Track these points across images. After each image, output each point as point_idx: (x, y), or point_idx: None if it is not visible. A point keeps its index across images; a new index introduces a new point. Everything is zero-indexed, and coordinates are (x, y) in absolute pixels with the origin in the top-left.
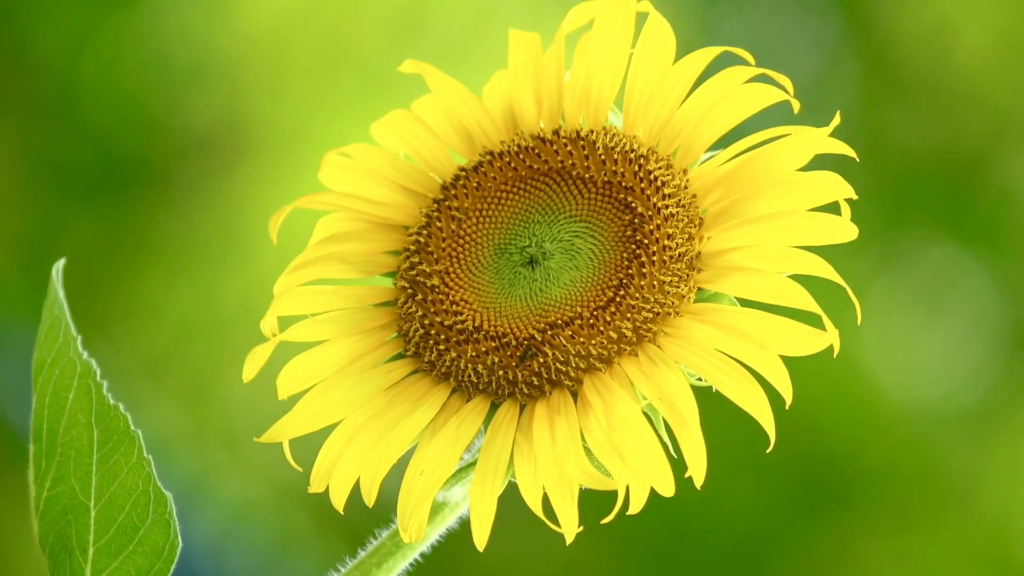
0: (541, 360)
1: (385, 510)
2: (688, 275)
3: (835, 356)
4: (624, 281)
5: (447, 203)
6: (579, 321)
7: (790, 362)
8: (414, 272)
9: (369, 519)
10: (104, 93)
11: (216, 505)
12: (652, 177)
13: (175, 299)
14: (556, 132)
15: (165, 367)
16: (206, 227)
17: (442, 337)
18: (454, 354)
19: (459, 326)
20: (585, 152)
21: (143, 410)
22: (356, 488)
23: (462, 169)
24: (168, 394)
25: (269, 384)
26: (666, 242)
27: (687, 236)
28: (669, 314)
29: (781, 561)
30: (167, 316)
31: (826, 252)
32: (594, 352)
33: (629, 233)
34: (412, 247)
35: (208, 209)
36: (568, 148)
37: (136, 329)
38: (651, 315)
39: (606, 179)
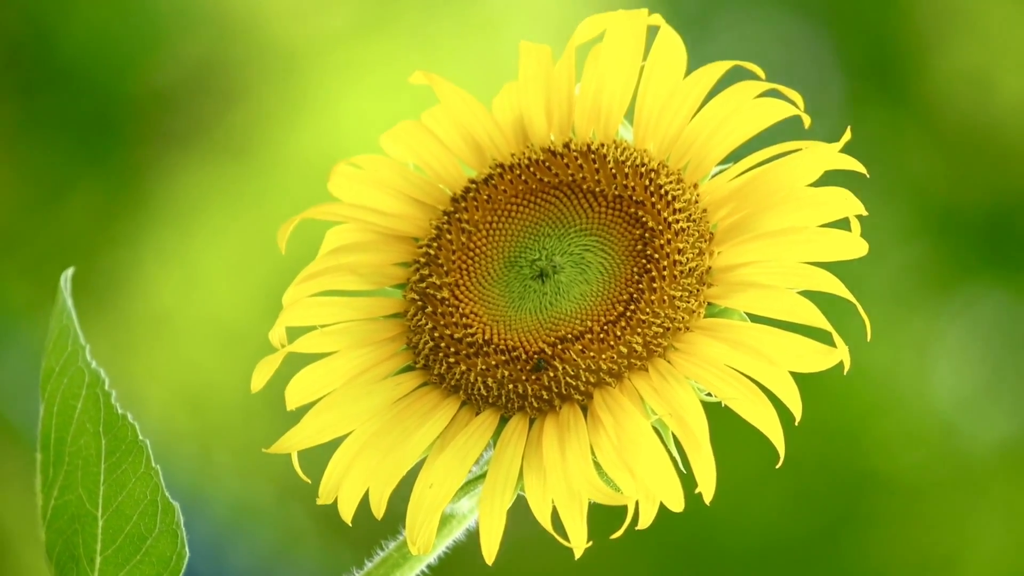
0: (551, 374)
1: (387, 515)
2: (698, 290)
3: (845, 373)
4: (634, 295)
5: (457, 215)
6: (589, 335)
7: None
8: (424, 284)
9: (369, 520)
10: (95, 45)
11: (216, 505)
12: (663, 191)
13: (180, 251)
14: (567, 145)
15: (173, 324)
16: (209, 173)
17: (452, 350)
18: (464, 367)
19: (469, 339)
20: (596, 165)
21: (149, 377)
22: (363, 497)
23: (472, 181)
24: (175, 354)
25: (272, 385)
26: (676, 257)
27: (697, 251)
28: (679, 329)
29: (808, 571)
30: (173, 270)
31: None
32: (604, 367)
33: (639, 247)
34: (422, 259)
35: (210, 154)
36: (579, 161)
37: (143, 286)
38: (661, 330)
39: (616, 193)
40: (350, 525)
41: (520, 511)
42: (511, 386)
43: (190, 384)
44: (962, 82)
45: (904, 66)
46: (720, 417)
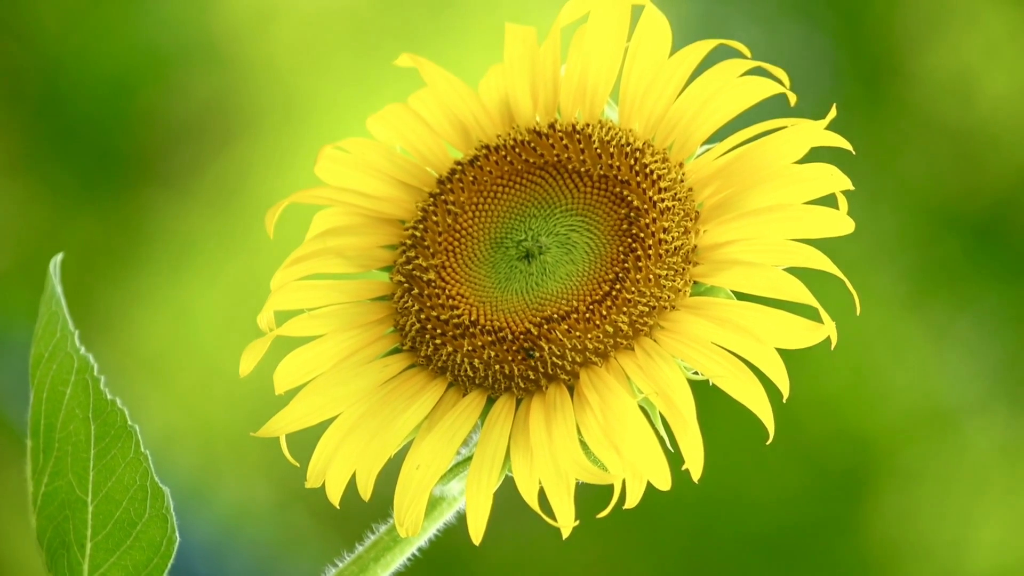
0: (537, 355)
1: (386, 508)
2: (684, 269)
3: (832, 349)
4: (620, 275)
5: (443, 197)
6: (575, 315)
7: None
8: (410, 267)
9: (368, 518)
10: (95, 84)
11: (216, 505)
12: (648, 171)
13: (175, 292)
14: (552, 126)
15: (166, 363)
16: (206, 214)
17: (438, 332)
18: (450, 348)
19: (455, 320)
20: (581, 146)
21: (144, 409)
22: (354, 486)
23: (458, 163)
24: (169, 393)
25: (270, 379)
26: (662, 236)
27: (683, 230)
28: (665, 308)
29: (810, 554)
30: (167, 310)
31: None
32: (590, 346)
33: (625, 227)
34: (408, 241)
35: (207, 195)
36: (564, 142)
37: (137, 325)
38: (647, 309)
39: (602, 173)
40: (338, 507)
41: (522, 509)
42: (498, 367)
43: (184, 421)
44: (952, 85)
45: (895, 70)
46: (720, 415)
